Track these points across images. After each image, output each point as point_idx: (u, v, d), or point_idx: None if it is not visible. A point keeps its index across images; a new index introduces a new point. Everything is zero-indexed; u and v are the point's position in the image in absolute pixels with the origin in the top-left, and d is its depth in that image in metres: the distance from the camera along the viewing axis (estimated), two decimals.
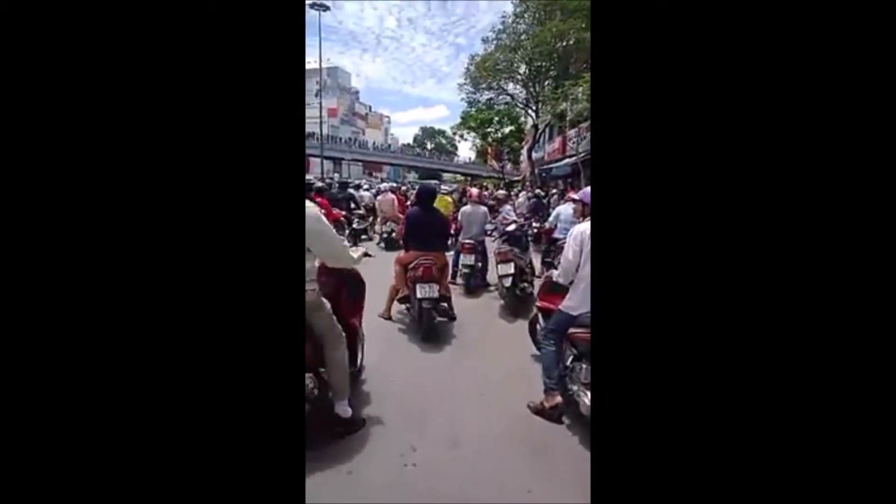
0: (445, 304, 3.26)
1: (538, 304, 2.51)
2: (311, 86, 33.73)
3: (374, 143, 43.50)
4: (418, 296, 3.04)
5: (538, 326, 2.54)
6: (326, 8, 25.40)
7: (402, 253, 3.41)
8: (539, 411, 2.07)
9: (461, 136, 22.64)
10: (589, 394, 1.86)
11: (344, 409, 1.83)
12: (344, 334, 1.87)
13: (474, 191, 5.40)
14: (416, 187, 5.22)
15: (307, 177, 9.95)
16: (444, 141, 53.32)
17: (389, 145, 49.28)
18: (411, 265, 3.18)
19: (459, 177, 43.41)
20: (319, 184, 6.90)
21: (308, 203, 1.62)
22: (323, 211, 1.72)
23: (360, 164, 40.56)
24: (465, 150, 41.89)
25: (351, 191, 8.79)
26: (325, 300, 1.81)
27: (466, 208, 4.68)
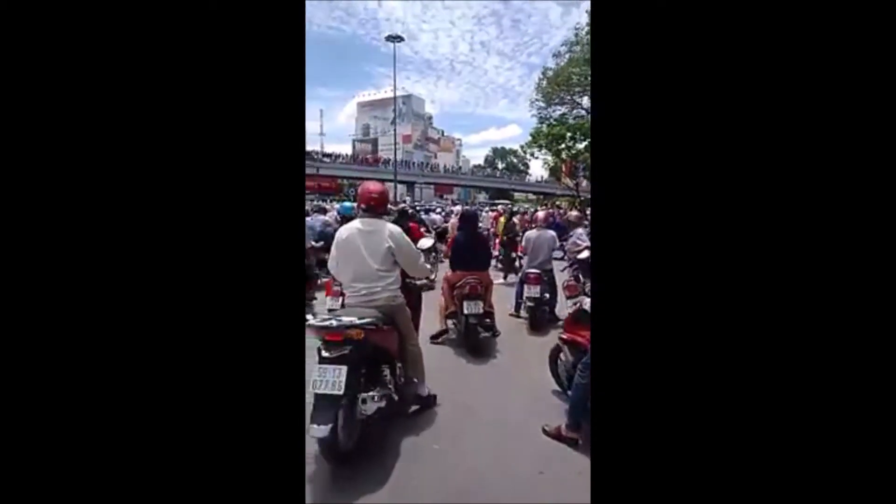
0: (489, 321, 3.50)
1: (564, 335, 2.35)
2: (387, 114, 36.00)
3: (444, 166, 44.79)
4: (465, 312, 3.32)
5: (560, 359, 2.45)
6: (401, 39, 27.32)
7: (448, 272, 3.70)
8: (556, 437, 2.09)
9: (531, 154, 22.13)
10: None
11: (422, 389, 2.36)
12: (415, 330, 2.39)
13: (541, 214, 5.03)
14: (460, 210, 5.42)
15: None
16: (515, 160, 53.06)
17: (460, 167, 50.36)
18: (458, 284, 3.46)
19: (531, 196, 42.53)
20: (403, 206, 7.20)
21: (388, 224, 2.21)
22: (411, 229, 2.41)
23: (431, 187, 41.93)
24: (538, 169, 41.11)
25: (422, 215, 9.31)
26: (405, 306, 2.28)
27: (532, 233, 4.33)
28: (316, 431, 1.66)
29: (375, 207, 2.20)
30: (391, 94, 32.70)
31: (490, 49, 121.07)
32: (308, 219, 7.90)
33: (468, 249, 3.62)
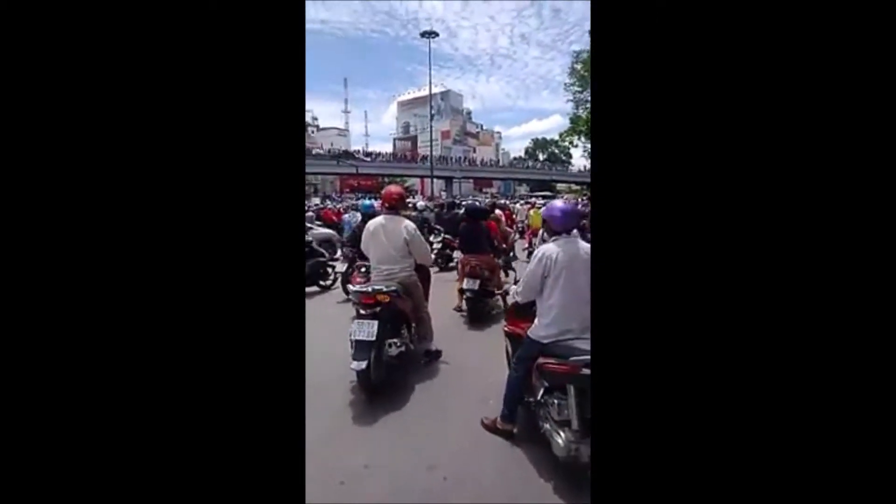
0: (487, 297, 4.25)
1: (505, 327, 2.43)
2: (426, 111, 36.82)
3: (482, 160, 44.94)
4: (464, 287, 4.17)
5: (507, 351, 2.48)
6: (435, 34, 27.69)
7: (461, 256, 4.65)
8: (491, 429, 2.10)
9: (570, 143, 21.75)
10: (563, 434, 1.72)
11: (431, 346, 3.16)
12: (426, 302, 3.20)
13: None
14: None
15: (419, 201, 11.03)
16: (556, 150, 51.97)
17: (499, 160, 50.24)
18: (464, 264, 4.35)
19: (575, 186, 41.57)
20: (422, 203, 7.65)
21: (405, 220, 2.97)
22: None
23: (470, 181, 42.31)
24: (580, 158, 40.12)
25: (455, 211, 9.45)
26: (419, 282, 3.06)
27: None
28: (355, 366, 2.43)
29: (395, 206, 3.01)
30: (429, 93, 33.49)
31: (530, 41, 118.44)
32: (345, 215, 8.56)
33: (471, 237, 4.55)
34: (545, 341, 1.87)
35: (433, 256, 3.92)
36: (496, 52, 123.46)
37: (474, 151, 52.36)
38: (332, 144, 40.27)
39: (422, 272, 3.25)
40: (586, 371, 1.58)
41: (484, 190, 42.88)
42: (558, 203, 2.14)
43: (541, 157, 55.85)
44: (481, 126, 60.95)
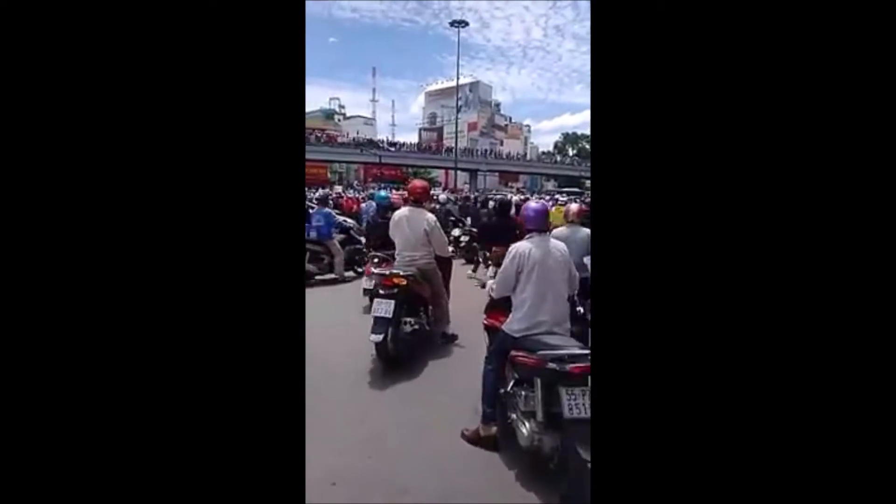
0: None
1: (484, 321, 2.50)
2: (454, 102, 36.80)
3: (509, 153, 44.60)
4: (488, 275, 4.64)
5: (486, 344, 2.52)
6: (465, 24, 27.52)
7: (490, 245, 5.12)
8: (473, 440, 2.04)
9: None
10: (527, 424, 1.80)
11: (447, 329, 3.51)
12: (444, 289, 3.51)
13: (574, 207, 3.76)
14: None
15: (440, 193, 11.15)
16: (587, 146, 50.90)
17: (526, 154, 49.73)
18: (496, 254, 4.83)
19: None
20: (444, 196, 7.88)
21: (427, 213, 3.34)
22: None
23: (496, 174, 42.11)
24: None
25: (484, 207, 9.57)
26: (437, 270, 3.38)
27: (562, 230, 3.25)
28: (374, 338, 2.85)
29: (419, 199, 3.38)
30: (461, 82, 33.45)
31: (565, 33, 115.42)
32: (363, 205, 8.79)
33: (498, 229, 4.93)
34: (517, 335, 1.94)
35: (456, 248, 4.40)
36: (529, 44, 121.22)
37: (501, 144, 51.98)
38: (357, 133, 40.81)
39: (444, 262, 3.58)
40: (552, 365, 1.69)
41: (510, 184, 42.63)
42: (532, 203, 2.26)
43: (570, 152, 54.93)
44: (510, 119, 60.33)
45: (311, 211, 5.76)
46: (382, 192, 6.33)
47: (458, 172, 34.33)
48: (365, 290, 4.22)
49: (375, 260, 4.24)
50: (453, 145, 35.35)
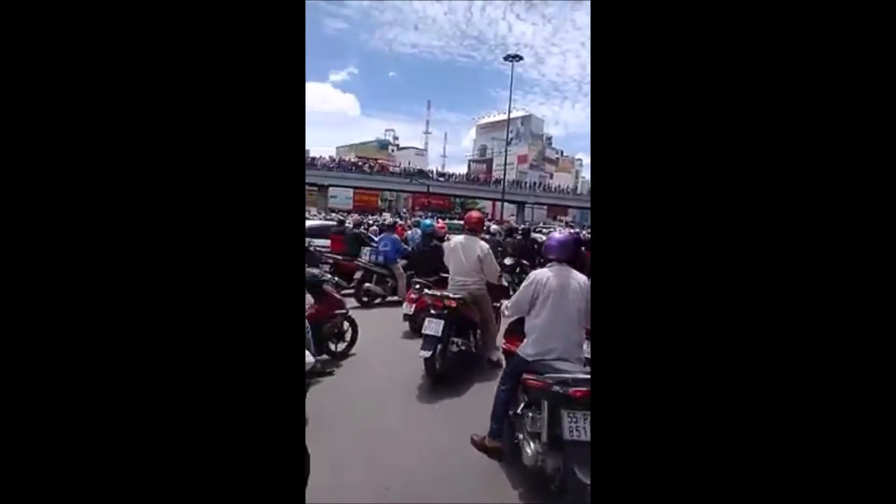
0: None
1: (502, 345, 2.65)
2: (504, 135, 37.51)
3: (558, 186, 44.17)
4: None
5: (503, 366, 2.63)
6: (519, 58, 28.40)
7: None
8: (480, 447, 2.13)
9: None
10: (532, 444, 1.88)
11: (493, 355, 3.51)
12: (493, 315, 3.59)
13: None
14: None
15: (491, 225, 11.35)
16: None
17: (577, 188, 49.01)
18: None
19: None
20: (494, 227, 8.08)
21: (481, 241, 3.52)
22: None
23: (544, 207, 41.74)
24: None
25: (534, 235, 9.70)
26: (488, 296, 3.52)
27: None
28: (423, 354, 3.01)
29: (474, 229, 3.59)
30: (510, 116, 34.19)
31: None
32: (408, 232, 9.18)
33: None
34: (529, 359, 2.02)
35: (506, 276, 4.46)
36: (584, 79, 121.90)
37: (551, 177, 51.76)
38: (409, 163, 42.49)
39: (497, 290, 3.72)
40: (556, 388, 1.76)
41: (559, 217, 42.02)
42: (556, 234, 2.37)
43: None
44: (561, 152, 60.25)
45: (377, 237, 6.41)
46: (428, 221, 6.66)
47: (506, 204, 34.40)
48: (405, 315, 4.29)
49: (417, 286, 4.24)
50: (499, 178, 35.73)
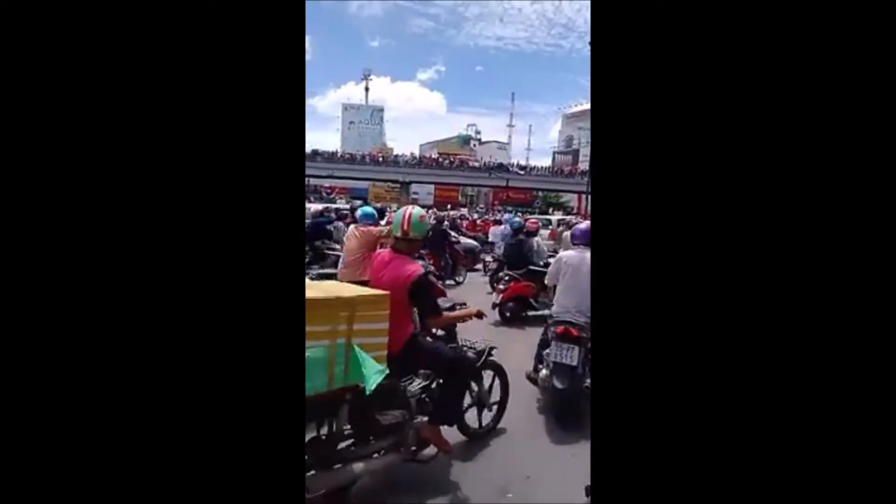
0: None
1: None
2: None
3: None
4: None
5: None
6: None
7: None
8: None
9: None
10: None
11: None
12: None
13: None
14: None
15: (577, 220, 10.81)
16: None
17: None
18: None
19: None
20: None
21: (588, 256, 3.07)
22: None
23: None
24: None
25: None
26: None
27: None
28: (557, 383, 2.64)
29: (583, 243, 3.03)
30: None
31: None
32: (492, 228, 9.44)
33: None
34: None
35: None
36: None
37: None
38: (490, 157, 41.97)
39: None
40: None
41: None
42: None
43: None
44: None
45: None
46: (517, 219, 7.31)
47: (591, 197, 31.99)
48: (493, 304, 4.84)
49: (506, 278, 4.88)
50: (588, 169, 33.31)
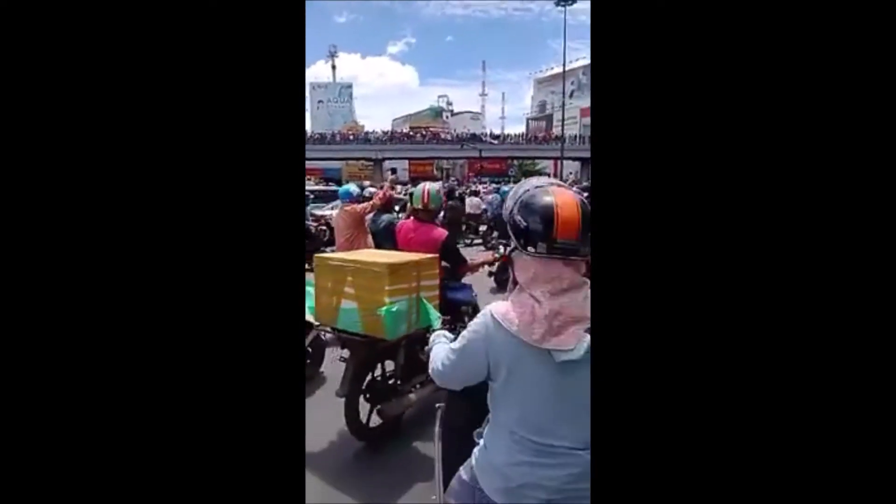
0: None
1: None
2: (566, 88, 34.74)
3: None
4: None
5: None
6: (573, 1, 25.60)
7: None
8: None
9: None
10: None
11: None
12: None
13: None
14: None
15: None
16: None
17: None
18: None
19: None
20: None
21: None
22: None
23: None
24: None
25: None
26: None
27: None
28: None
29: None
30: (571, 67, 31.25)
31: None
32: (489, 196, 9.61)
33: None
34: None
35: None
36: None
37: None
38: (464, 128, 41.36)
39: None
40: None
41: None
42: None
43: None
44: None
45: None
46: (507, 188, 7.90)
47: (567, 162, 32.12)
48: (490, 272, 4.90)
49: (500, 247, 5.23)
50: (567, 133, 33.21)
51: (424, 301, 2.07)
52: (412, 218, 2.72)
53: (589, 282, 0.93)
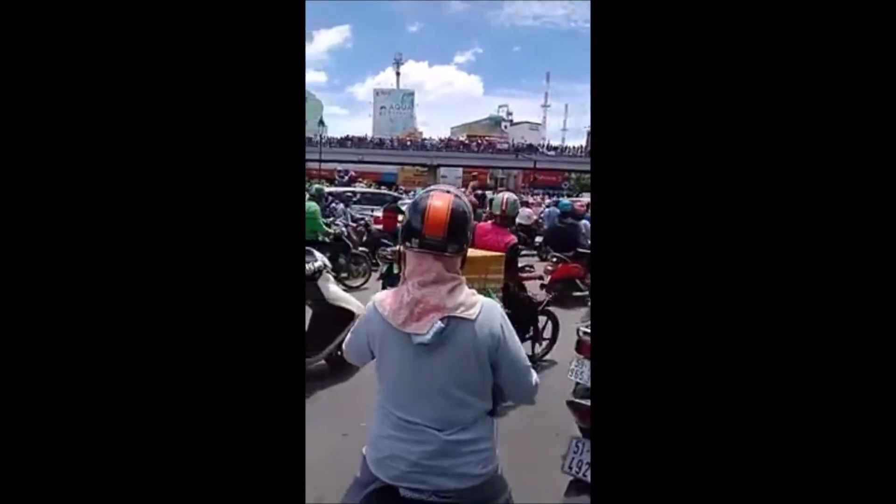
0: None
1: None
2: None
3: None
4: None
5: None
6: None
7: None
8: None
9: None
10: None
11: None
12: None
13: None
14: None
15: None
16: None
17: None
18: None
19: None
20: None
21: None
22: None
23: None
24: None
25: None
26: None
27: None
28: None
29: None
30: None
31: None
32: (545, 210, 9.68)
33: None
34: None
35: None
36: None
37: None
38: (522, 138, 41.00)
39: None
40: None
41: None
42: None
43: None
44: None
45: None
46: (566, 200, 7.78)
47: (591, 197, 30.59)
48: (542, 285, 5.07)
49: (554, 259, 5.25)
50: None
51: (489, 290, 2.37)
52: (490, 222, 3.14)
53: (460, 278, 1.04)
